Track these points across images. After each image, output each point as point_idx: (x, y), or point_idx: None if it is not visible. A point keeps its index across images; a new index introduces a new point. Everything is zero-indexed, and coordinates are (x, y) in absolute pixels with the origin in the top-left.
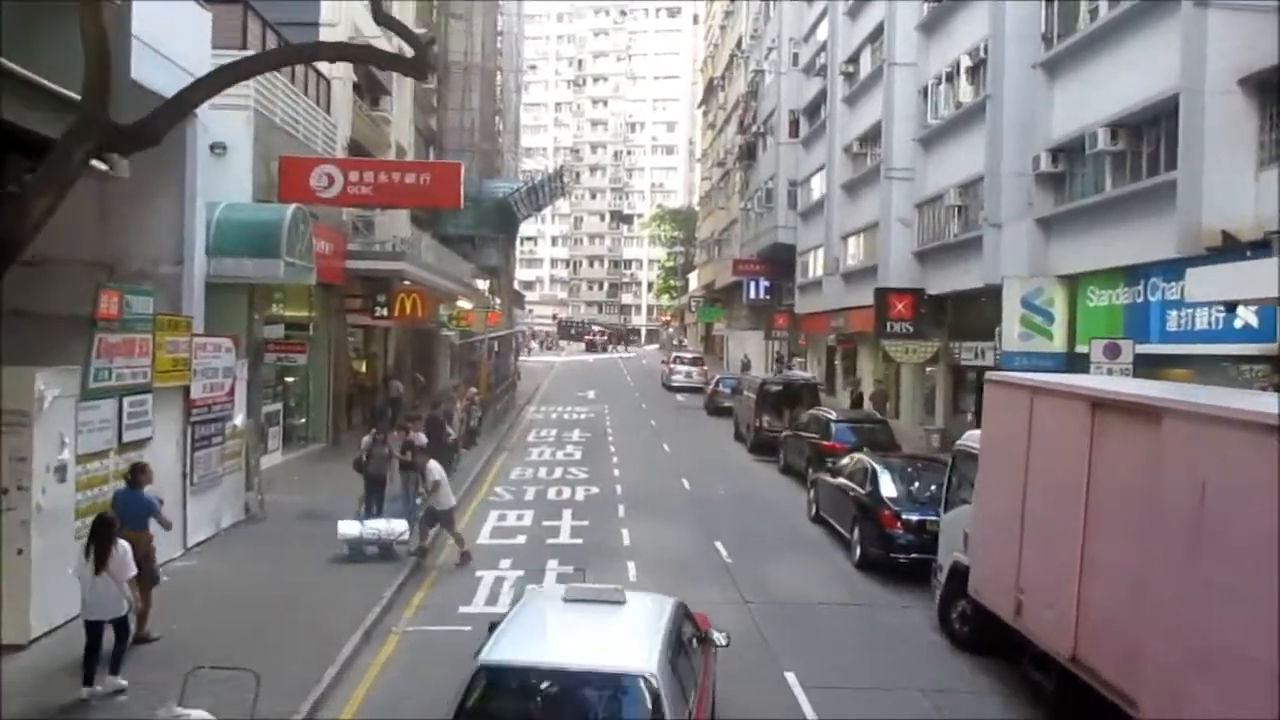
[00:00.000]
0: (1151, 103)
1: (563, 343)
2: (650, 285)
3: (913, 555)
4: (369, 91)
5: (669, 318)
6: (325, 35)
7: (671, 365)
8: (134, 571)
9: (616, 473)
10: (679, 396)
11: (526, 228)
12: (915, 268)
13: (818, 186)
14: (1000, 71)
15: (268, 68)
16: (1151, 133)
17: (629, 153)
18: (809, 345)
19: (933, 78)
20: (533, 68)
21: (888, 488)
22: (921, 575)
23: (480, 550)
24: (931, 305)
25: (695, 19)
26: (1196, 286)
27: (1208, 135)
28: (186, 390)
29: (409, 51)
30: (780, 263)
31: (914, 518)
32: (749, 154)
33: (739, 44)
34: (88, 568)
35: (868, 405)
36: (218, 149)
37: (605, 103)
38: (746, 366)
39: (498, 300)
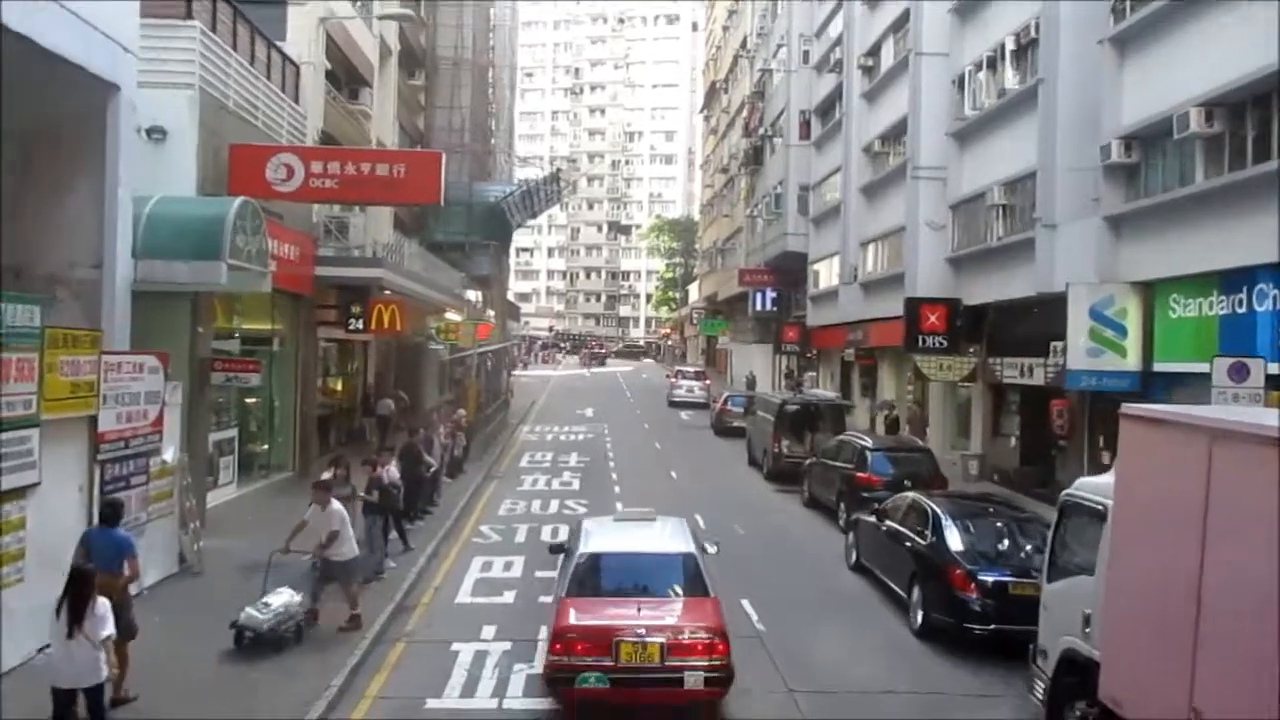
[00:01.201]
0: (1258, 77)
1: (560, 356)
2: (649, 297)
3: (991, 627)
4: (348, 83)
5: (669, 330)
6: (296, 13)
7: (674, 380)
8: (112, 632)
9: (620, 506)
10: (683, 414)
11: (522, 238)
12: (948, 276)
13: (832, 190)
14: (1054, 52)
15: None
16: (1258, 113)
17: (627, 162)
18: (821, 360)
19: (970, 65)
20: (529, 75)
21: (955, 539)
22: (1002, 651)
23: (460, 613)
24: (968, 317)
25: (694, 26)
26: None
27: None
28: (93, 421)
29: (393, 41)
30: (789, 272)
31: (992, 579)
32: (755, 158)
33: (744, 44)
34: (59, 627)
35: (904, 430)
36: (155, 134)
37: (603, 111)
38: (751, 383)
39: (490, 312)
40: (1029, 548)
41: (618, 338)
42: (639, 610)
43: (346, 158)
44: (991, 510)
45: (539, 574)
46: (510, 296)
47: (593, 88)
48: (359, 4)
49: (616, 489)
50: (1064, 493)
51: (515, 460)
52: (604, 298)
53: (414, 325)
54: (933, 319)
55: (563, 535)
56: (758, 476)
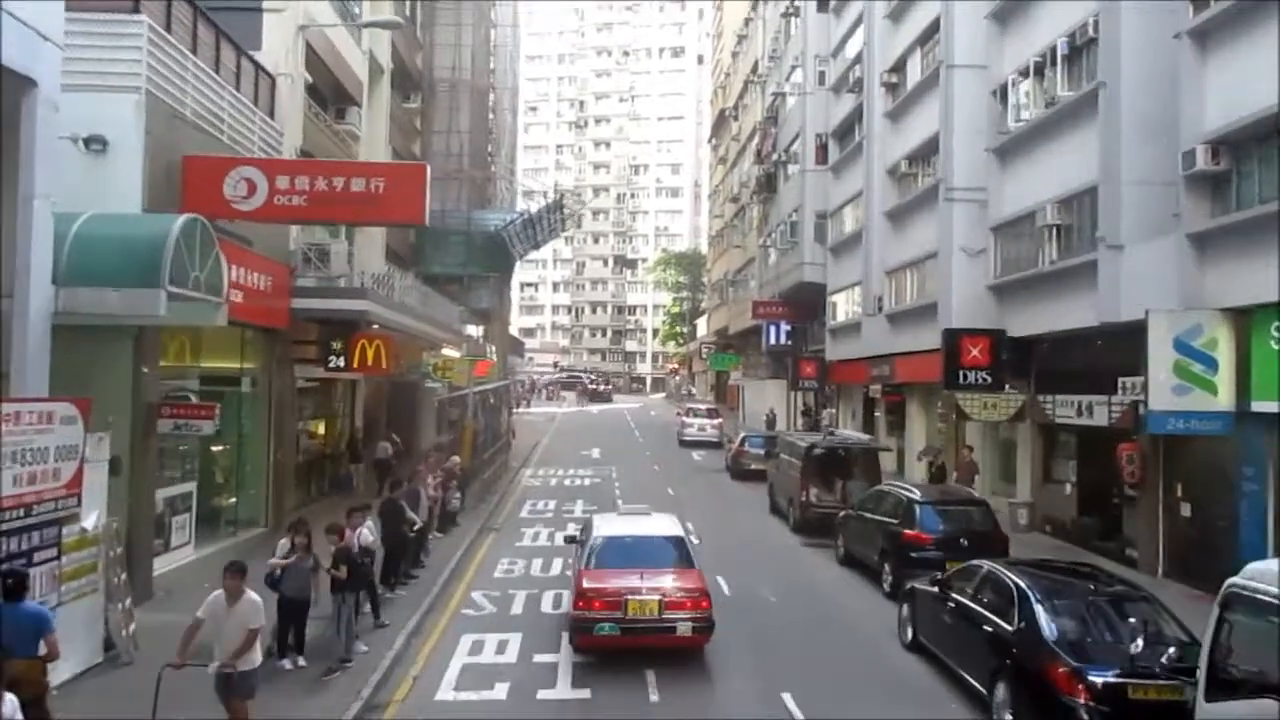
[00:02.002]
0: None
1: (565, 393)
2: (655, 332)
3: None
4: (334, 101)
5: (677, 365)
6: (272, 21)
7: (684, 418)
8: None
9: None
10: (695, 454)
11: (527, 273)
12: (988, 305)
13: (852, 216)
14: (1116, 52)
15: None
16: None
17: (632, 195)
18: (841, 396)
19: (1012, 73)
20: (533, 109)
21: (1050, 625)
22: None
23: (441, 713)
24: (1013, 350)
25: (700, 59)
26: None
27: None
28: None
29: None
30: (805, 305)
31: (1104, 679)
32: (768, 185)
33: (755, 68)
34: None
35: (951, 478)
36: (94, 144)
37: (608, 145)
38: (771, 423)
39: (492, 348)
40: (1142, 637)
41: (624, 373)
42: (641, 578)
43: (317, 171)
44: (1091, 586)
45: (538, 658)
46: (514, 331)
47: (597, 121)
48: (341, 2)
49: None
50: (1229, 582)
51: (515, 509)
52: (610, 332)
53: (406, 362)
54: (974, 352)
55: (565, 604)
56: (783, 528)
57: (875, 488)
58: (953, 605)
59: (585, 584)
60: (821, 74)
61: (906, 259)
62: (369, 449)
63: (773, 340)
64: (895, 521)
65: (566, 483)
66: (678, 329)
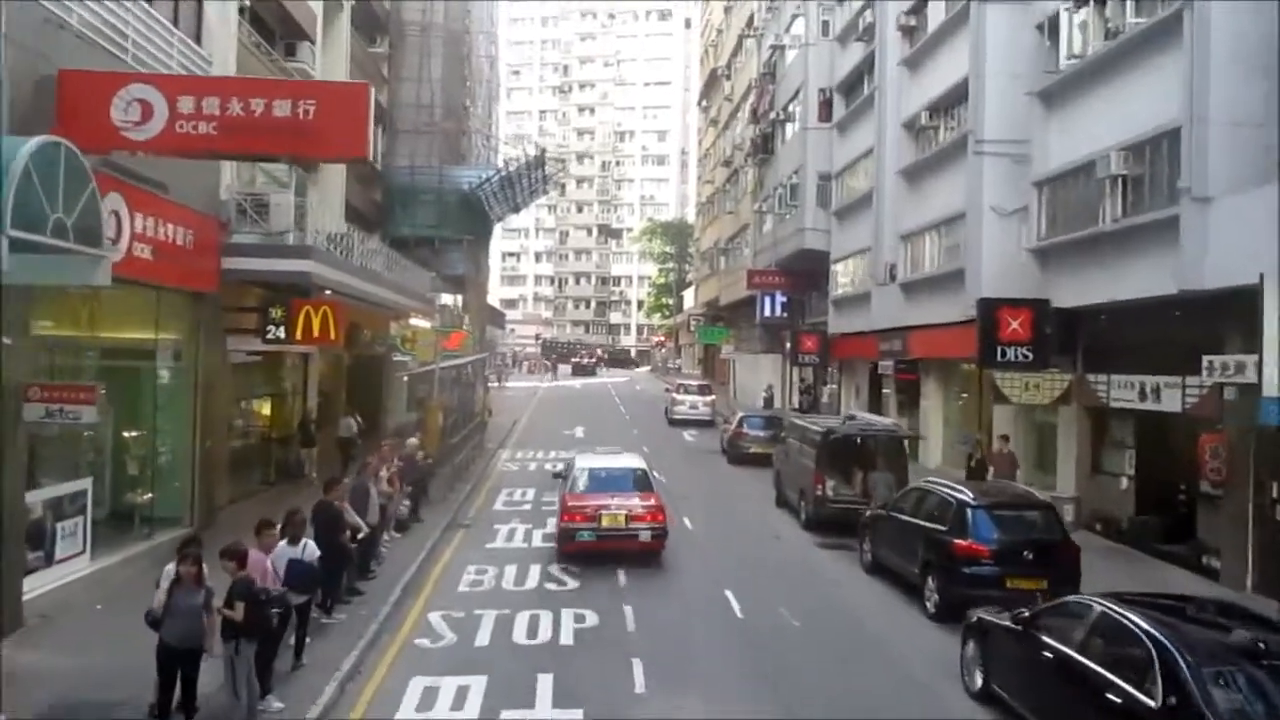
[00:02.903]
0: None
1: (547, 364)
2: (640, 304)
3: None
4: (283, 36)
5: (663, 338)
6: None
7: (675, 395)
8: None
9: (622, 578)
10: (686, 434)
11: (509, 243)
12: (1029, 271)
13: (861, 177)
14: None
15: None
16: None
17: (618, 163)
18: (844, 373)
19: (1065, 3)
20: (515, 73)
21: (1209, 700)
22: None
23: None
24: (1059, 323)
25: (687, 23)
26: None
27: None
28: None
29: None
30: (804, 274)
31: None
32: (765, 146)
33: (750, 22)
34: None
35: (990, 474)
36: None
37: (592, 110)
38: (770, 401)
39: (469, 318)
40: None
41: (608, 345)
42: (612, 498)
43: (231, 91)
44: (1257, 642)
45: (506, 715)
46: (495, 302)
47: (582, 86)
48: None
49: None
50: None
51: (489, 500)
52: (594, 304)
53: (371, 333)
54: (1014, 325)
55: (543, 634)
56: (792, 524)
57: (913, 485)
58: (1050, 656)
59: (569, 503)
60: (825, 23)
61: (925, 222)
62: (327, 429)
63: (767, 312)
64: (942, 528)
65: (548, 467)
66: (664, 301)
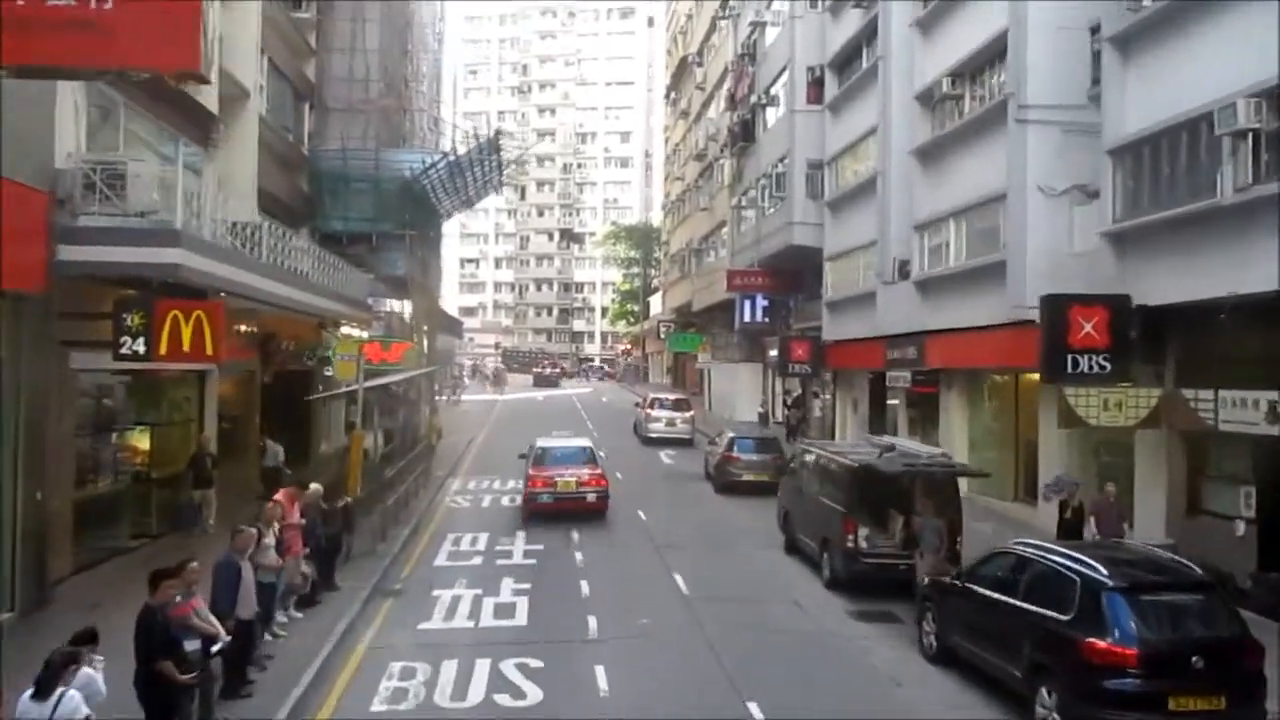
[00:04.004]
0: None
1: (509, 377)
2: (605, 311)
3: None
4: None
5: (629, 346)
6: None
7: (648, 410)
8: None
9: (601, 678)
10: (663, 455)
11: (467, 249)
12: (1098, 262)
13: (861, 160)
14: None
15: None
16: None
17: (579, 166)
18: (839, 384)
19: None
20: (473, 73)
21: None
22: None
23: None
24: (1143, 325)
25: (650, 21)
26: None
27: None
28: None
29: None
30: (791, 274)
31: None
32: (744, 134)
33: (725, 1)
34: None
35: (1090, 530)
36: None
37: (553, 111)
38: (765, 418)
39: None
40: None
41: (571, 353)
42: (566, 469)
43: None
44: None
45: None
46: (454, 310)
47: (542, 86)
48: None
49: (592, 623)
50: None
51: (430, 549)
52: (556, 311)
53: (289, 344)
54: (1088, 328)
55: None
56: (813, 582)
57: (1001, 547)
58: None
59: (532, 473)
60: None
61: (948, 208)
62: (237, 462)
63: (747, 317)
64: (1061, 617)
65: (504, 501)
66: (629, 307)
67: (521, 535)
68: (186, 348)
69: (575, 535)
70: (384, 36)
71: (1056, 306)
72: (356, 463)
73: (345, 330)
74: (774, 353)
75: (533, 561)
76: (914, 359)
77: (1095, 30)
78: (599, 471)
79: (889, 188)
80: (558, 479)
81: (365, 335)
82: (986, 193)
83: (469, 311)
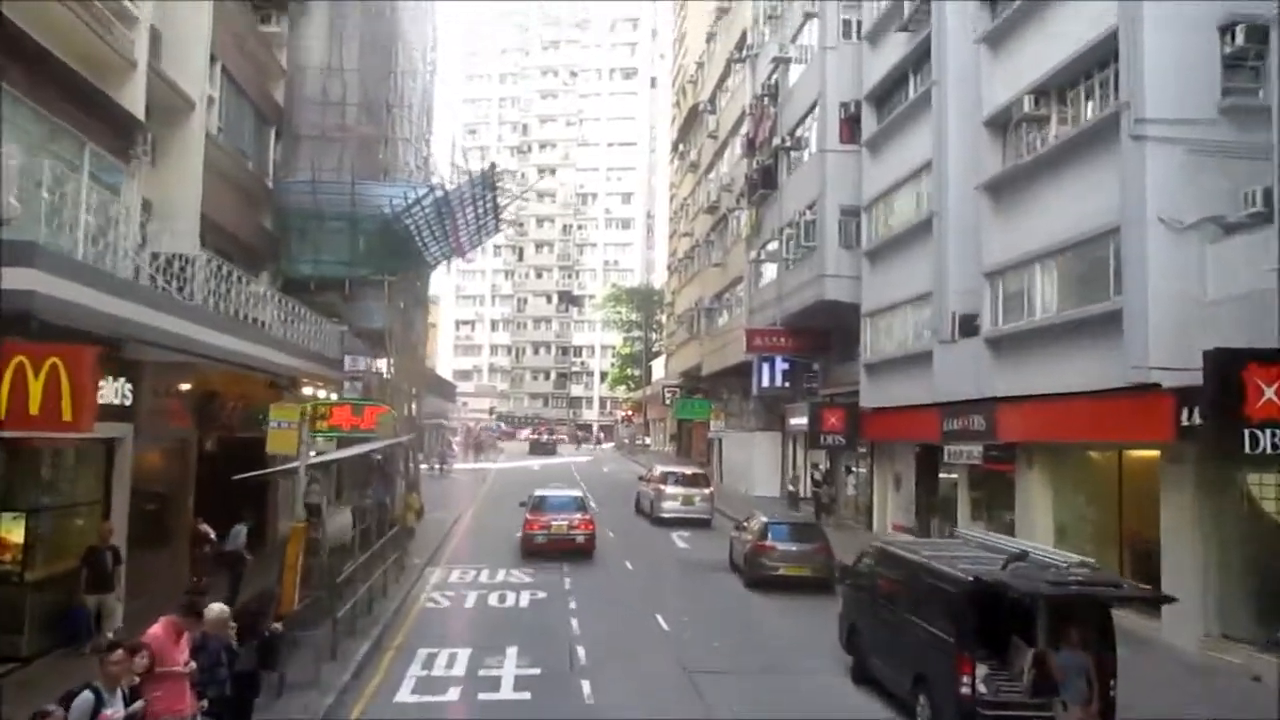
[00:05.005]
0: None
1: (502, 444)
2: (604, 375)
3: None
4: None
5: (630, 412)
6: None
7: (660, 486)
8: None
9: None
10: (676, 539)
11: (463, 310)
12: (1244, 310)
13: (911, 201)
14: None
15: None
16: None
17: (580, 227)
18: (876, 458)
19: None
20: (472, 133)
21: None
22: None
23: None
24: None
25: (653, 82)
26: None
27: None
28: None
29: None
30: (816, 334)
31: None
32: (765, 180)
33: (741, 42)
34: None
35: None
36: None
37: (553, 171)
38: (795, 498)
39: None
40: None
41: (569, 419)
42: (559, 515)
43: None
44: None
45: None
46: (448, 374)
47: (542, 146)
48: None
49: None
50: None
51: (392, 676)
52: (553, 375)
53: (233, 405)
54: (1270, 394)
55: None
56: None
57: None
58: None
59: (529, 518)
60: (847, 23)
61: (1032, 249)
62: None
63: (765, 381)
64: None
65: (492, 600)
66: (629, 372)
67: (513, 653)
68: (34, 410)
69: (582, 653)
70: (364, 55)
71: (1225, 365)
72: (293, 566)
73: (308, 391)
74: (796, 421)
75: (526, 695)
76: (982, 430)
77: (1227, 29)
78: (588, 517)
79: (946, 230)
80: (552, 523)
81: (333, 397)
82: (1089, 229)
83: (464, 375)
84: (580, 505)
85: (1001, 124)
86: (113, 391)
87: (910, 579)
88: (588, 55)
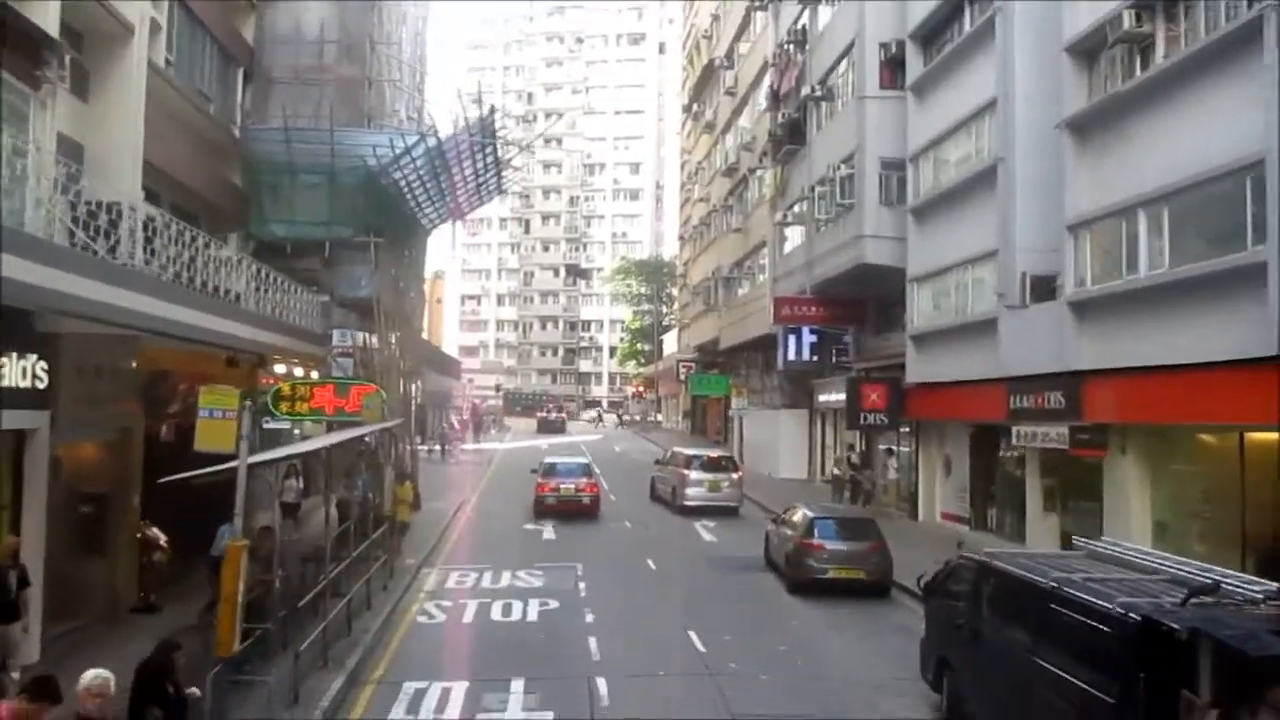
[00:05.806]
0: None
1: (509, 421)
2: (613, 350)
3: None
4: None
5: (641, 388)
6: None
7: (683, 471)
8: None
9: None
10: (701, 529)
11: (468, 285)
12: None
13: (970, 149)
14: None
15: None
16: None
17: (587, 198)
18: (921, 439)
19: None
20: (475, 103)
21: None
22: None
23: None
24: None
25: (661, 48)
26: None
27: None
28: None
29: None
30: (849, 303)
31: None
32: (792, 135)
33: None
34: None
35: None
36: None
37: (559, 141)
38: (841, 485)
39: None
40: None
41: (577, 395)
42: (567, 479)
43: None
44: None
45: None
46: (454, 350)
47: (547, 115)
48: None
49: None
50: None
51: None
52: (561, 351)
53: (185, 388)
54: None
55: None
56: None
57: None
58: None
59: (541, 482)
60: None
61: (1135, 193)
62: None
63: (791, 355)
64: None
65: (495, 612)
66: (639, 346)
67: (519, 689)
68: None
69: (603, 689)
70: None
71: None
72: (231, 599)
73: (281, 369)
74: (826, 397)
75: None
76: (1060, 409)
77: None
78: (593, 481)
79: (1014, 179)
80: (560, 486)
81: (313, 376)
82: (1215, 165)
83: (470, 351)
84: (585, 471)
85: (1088, 50)
86: (18, 372)
87: (1036, 608)
88: (593, 21)
